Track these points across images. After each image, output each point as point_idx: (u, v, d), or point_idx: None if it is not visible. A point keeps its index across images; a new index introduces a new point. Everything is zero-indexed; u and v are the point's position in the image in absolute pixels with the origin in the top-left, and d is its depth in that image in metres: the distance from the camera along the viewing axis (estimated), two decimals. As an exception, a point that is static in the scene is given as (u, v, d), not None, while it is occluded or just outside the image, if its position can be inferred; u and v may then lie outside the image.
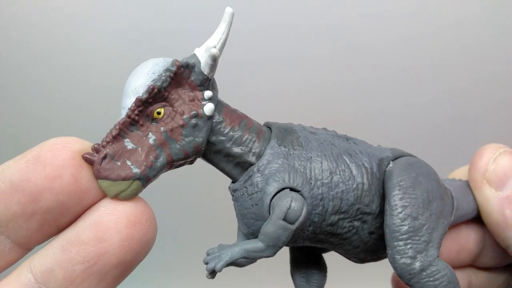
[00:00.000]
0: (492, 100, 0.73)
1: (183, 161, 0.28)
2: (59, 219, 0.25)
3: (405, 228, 0.29)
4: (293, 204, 0.28)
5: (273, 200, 0.28)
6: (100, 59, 0.68)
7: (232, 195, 0.30)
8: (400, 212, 0.29)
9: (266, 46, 0.70)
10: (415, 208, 0.29)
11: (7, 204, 0.24)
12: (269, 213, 0.28)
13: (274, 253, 0.28)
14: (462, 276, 0.38)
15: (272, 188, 0.28)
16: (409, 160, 0.32)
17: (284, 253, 0.35)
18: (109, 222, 0.25)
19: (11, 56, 0.68)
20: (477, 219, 0.37)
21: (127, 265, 0.25)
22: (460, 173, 0.40)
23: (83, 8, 0.67)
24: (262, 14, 0.69)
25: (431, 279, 0.28)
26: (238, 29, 0.66)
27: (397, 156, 0.32)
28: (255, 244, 0.28)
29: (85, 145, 0.26)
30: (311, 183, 0.29)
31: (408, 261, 0.28)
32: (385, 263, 0.31)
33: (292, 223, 0.27)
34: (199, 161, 0.30)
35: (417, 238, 0.29)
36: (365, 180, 0.30)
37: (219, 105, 0.29)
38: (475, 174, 0.36)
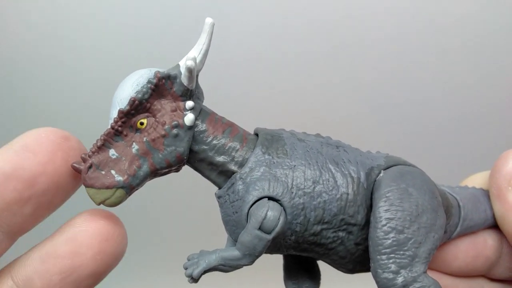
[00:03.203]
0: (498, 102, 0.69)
1: (167, 170, 0.29)
2: (53, 200, 0.27)
3: (389, 241, 0.28)
4: (269, 214, 0.27)
5: (251, 209, 0.28)
6: (102, 58, 0.69)
7: (218, 201, 0.31)
8: (384, 225, 0.28)
9: (261, 48, 0.69)
10: (401, 221, 0.28)
11: (0, 194, 0.26)
12: (247, 222, 0.28)
13: (252, 262, 0.28)
14: (474, 286, 0.36)
15: (251, 197, 0.28)
16: (401, 169, 0.30)
17: (278, 259, 0.35)
18: (84, 238, 0.27)
19: (10, 55, 0.70)
20: (496, 226, 0.35)
21: (99, 275, 0.28)
22: (477, 180, 0.37)
23: (83, 6, 0.68)
24: (259, 15, 0.68)
25: None
26: (235, 30, 0.65)
27: (391, 164, 0.31)
28: (232, 253, 0.28)
29: (64, 132, 0.28)
30: (292, 192, 0.29)
31: (390, 276, 0.27)
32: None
33: (268, 232, 0.27)
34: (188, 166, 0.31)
35: (402, 252, 0.28)
36: (350, 190, 0.29)
37: (204, 114, 0.30)
38: (499, 180, 0.33)
